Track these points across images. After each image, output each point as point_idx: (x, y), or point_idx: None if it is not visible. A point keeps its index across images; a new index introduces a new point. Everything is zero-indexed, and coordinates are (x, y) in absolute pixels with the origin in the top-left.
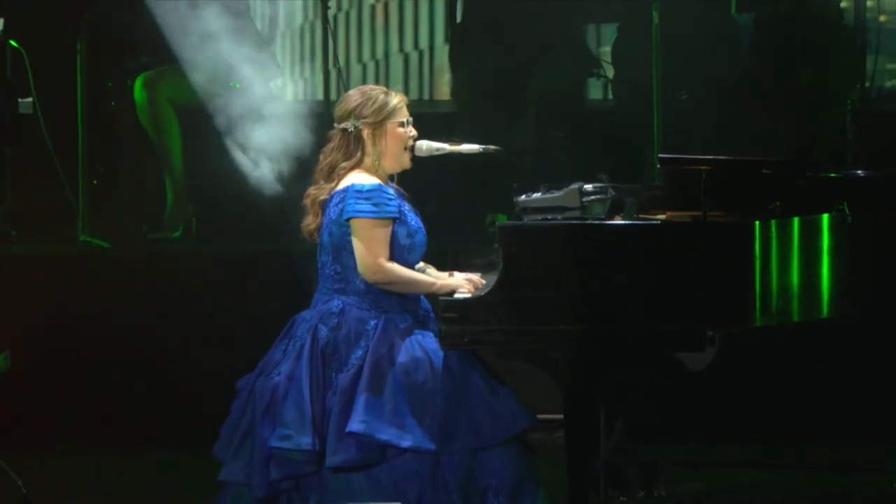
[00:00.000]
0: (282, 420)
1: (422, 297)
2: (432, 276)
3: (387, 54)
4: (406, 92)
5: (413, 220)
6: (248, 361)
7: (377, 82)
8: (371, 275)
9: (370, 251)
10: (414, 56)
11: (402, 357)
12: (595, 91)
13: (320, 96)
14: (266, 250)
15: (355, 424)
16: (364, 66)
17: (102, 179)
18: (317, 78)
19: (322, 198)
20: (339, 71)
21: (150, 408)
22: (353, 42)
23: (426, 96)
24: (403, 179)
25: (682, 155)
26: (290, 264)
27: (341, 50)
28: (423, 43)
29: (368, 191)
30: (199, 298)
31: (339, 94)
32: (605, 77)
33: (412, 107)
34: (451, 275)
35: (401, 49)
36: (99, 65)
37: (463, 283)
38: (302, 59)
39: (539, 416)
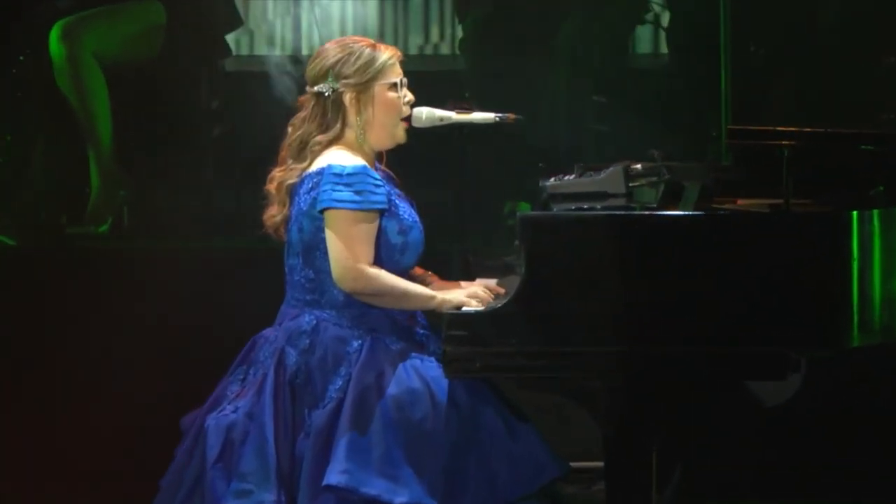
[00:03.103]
0: (239, 471)
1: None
2: (432, 289)
3: None
4: (427, 35)
5: (406, 212)
6: (195, 392)
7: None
8: (349, 282)
9: (349, 252)
10: None
11: (395, 388)
12: (645, 43)
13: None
14: (218, 249)
15: (335, 476)
16: None
17: (8, 158)
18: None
19: (291, 182)
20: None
21: (64, 450)
22: None
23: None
24: (394, 159)
25: (758, 126)
26: (248, 267)
27: None
28: None
29: (350, 174)
30: (132, 309)
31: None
32: (659, 24)
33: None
34: (458, 286)
35: None
36: (1, 10)
37: (474, 296)
38: None
39: (572, 464)
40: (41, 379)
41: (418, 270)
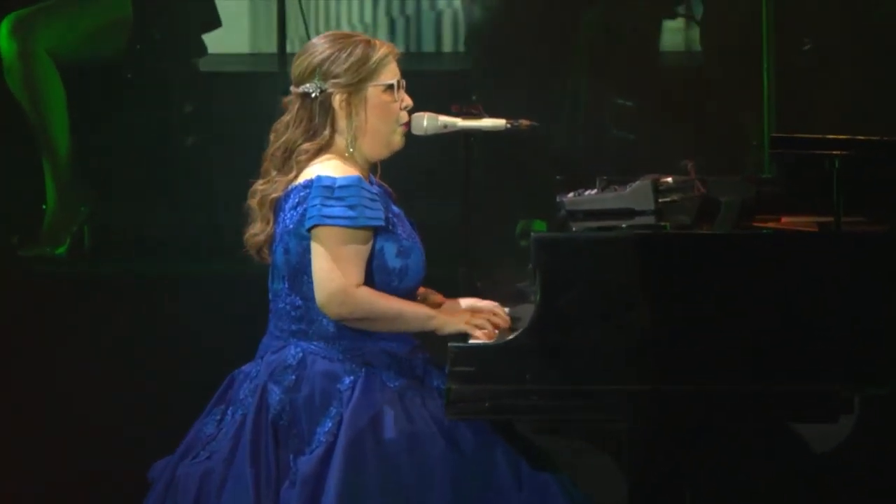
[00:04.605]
0: None
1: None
2: (429, 308)
3: None
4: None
5: (406, 232)
6: (166, 436)
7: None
8: (335, 307)
9: (335, 273)
10: None
11: (392, 431)
12: (676, 38)
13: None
14: (192, 273)
15: None
16: None
17: None
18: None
19: (274, 196)
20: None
21: (14, 495)
22: None
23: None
24: (391, 172)
25: (805, 134)
26: (226, 293)
27: None
28: None
29: (342, 187)
30: (94, 341)
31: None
32: (692, 17)
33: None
34: (462, 310)
35: None
36: None
37: (480, 326)
38: None
39: None
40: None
41: (420, 289)
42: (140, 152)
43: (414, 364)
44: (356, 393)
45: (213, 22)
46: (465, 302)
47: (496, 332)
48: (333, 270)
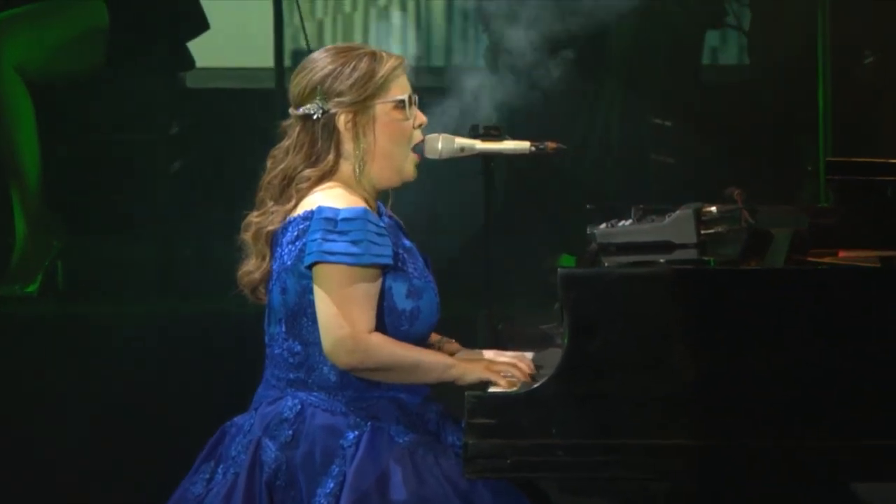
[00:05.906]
0: None
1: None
2: (448, 356)
3: None
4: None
5: (417, 269)
6: (149, 494)
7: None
8: (344, 356)
9: (343, 318)
10: None
11: (401, 492)
12: (722, 52)
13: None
14: (178, 315)
15: None
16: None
17: None
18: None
19: (271, 229)
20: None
21: None
22: None
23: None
24: (401, 201)
25: (866, 158)
26: (217, 338)
27: None
28: None
29: (345, 219)
30: (68, 386)
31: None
32: (739, 29)
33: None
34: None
35: None
36: None
37: (504, 372)
38: None
39: None
40: None
41: (433, 336)
42: (120, 179)
43: (426, 417)
44: (361, 450)
45: (200, 24)
46: (486, 353)
47: (520, 381)
48: (339, 316)
